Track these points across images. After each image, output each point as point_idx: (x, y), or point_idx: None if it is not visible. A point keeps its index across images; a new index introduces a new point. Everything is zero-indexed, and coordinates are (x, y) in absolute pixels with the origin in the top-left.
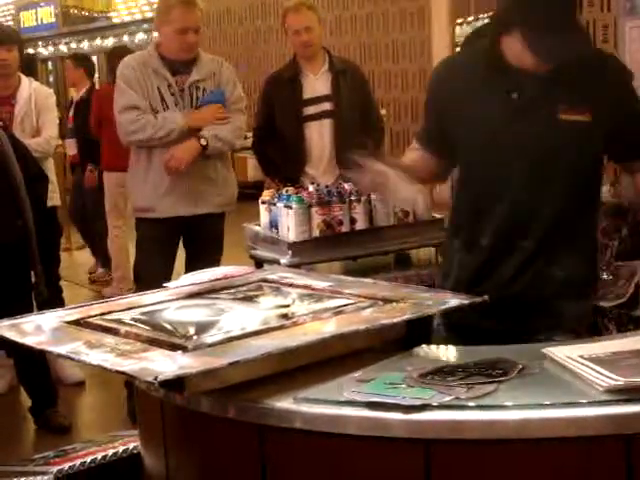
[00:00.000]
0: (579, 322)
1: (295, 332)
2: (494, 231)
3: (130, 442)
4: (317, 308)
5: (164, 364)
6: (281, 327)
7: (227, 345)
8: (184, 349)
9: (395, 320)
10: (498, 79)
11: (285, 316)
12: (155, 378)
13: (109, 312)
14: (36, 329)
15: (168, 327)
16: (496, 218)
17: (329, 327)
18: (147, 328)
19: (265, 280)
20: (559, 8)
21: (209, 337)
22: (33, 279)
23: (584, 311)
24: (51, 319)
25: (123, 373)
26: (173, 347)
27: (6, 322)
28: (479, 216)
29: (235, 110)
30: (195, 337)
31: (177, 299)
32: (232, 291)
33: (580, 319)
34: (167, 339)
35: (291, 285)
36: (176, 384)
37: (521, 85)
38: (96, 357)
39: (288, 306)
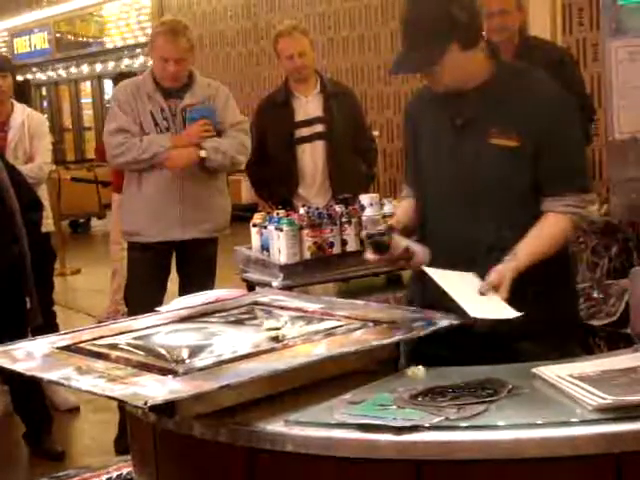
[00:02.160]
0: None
1: (285, 355)
2: (444, 264)
3: (123, 467)
4: (308, 330)
5: (154, 389)
6: (272, 350)
7: (218, 369)
8: (175, 373)
9: (385, 342)
10: (442, 106)
11: (276, 339)
12: (145, 403)
13: (101, 337)
14: (27, 355)
15: (159, 351)
16: (446, 248)
17: (319, 349)
18: (138, 353)
19: (257, 303)
20: (412, 28)
21: (200, 361)
22: (28, 305)
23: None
24: (42, 345)
25: (113, 398)
26: (164, 371)
27: None
28: (432, 244)
29: (238, 130)
30: (186, 361)
31: (169, 323)
32: (224, 314)
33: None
34: (158, 364)
35: (283, 308)
36: (167, 408)
37: (461, 110)
38: (86, 382)
39: (279, 329)
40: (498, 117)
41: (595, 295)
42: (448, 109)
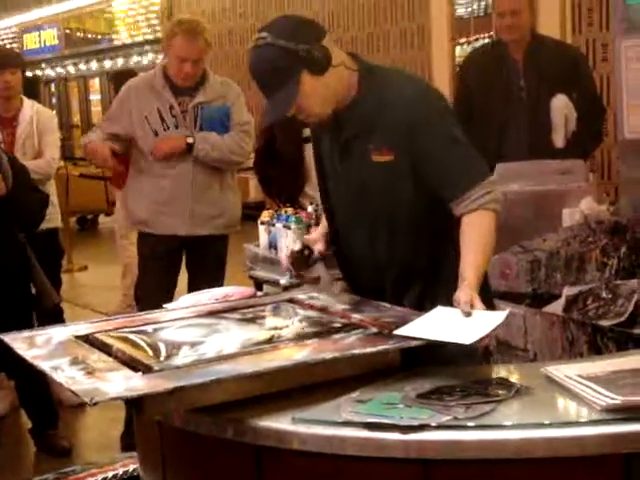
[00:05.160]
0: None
1: (264, 358)
2: (353, 279)
3: (130, 464)
4: (305, 332)
5: (116, 385)
6: (257, 351)
7: (188, 369)
8: (149, 370)
9: (367, 350)
10: (331, 128)
11: (269, 340)
12: (91, 399)
13: (123, 327)
14: (45, 342)
15: (158, 346)
16: (352, 266)
17: (300, 354)
18: (140, 346)
19: (292, 300)
20: (260, 79)
21: (180, 359)
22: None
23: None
24: (65, 332)
25: (73, 392)
26: (143, 367)
27: (25, 333)
28: (341, 261)
29: (240, 131)
30: (169, 359)
31: (195, 317)
32: (245, 311)
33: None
34: (144, 359)
35: (311, 306)
36: (136, 404)
37: (341, 130)
38: (65, 374)
39: (280, 329)
40: (370, 134)
41: (604, 295)
42: (334, 131)
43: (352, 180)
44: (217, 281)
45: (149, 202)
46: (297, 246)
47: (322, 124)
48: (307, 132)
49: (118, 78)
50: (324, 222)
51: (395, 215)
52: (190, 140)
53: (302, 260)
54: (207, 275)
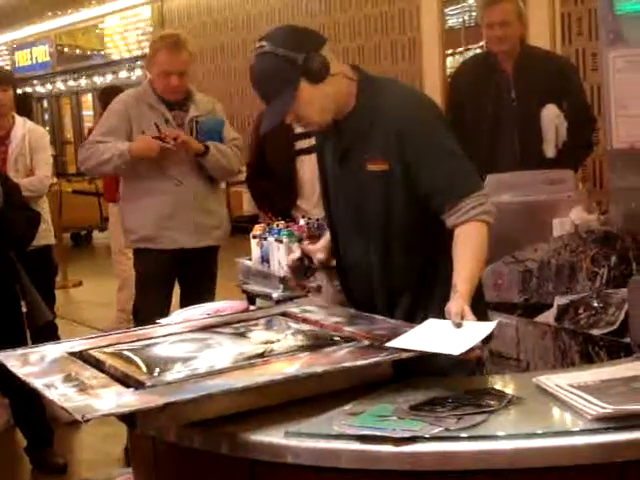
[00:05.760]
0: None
1: (256, 372)
2: (352, 290)
3: None
4: (298, 346)
5: (107, 401)
6: (249, 366)
7: (180, 384)
8: (142, 386)
9: (357, 363)
10: (332, 138)
11: (262, 355)
12: (83, 417)
13: (117, 343)
14: (39, 359)
15: (151, 362)
16: (349, 276)
17: (291, 368)
18: (134, 362)
19: (285, 314)
20: (260, 87)
21: (172, 374)
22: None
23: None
24: (58, 349)
25: (65, 409)
26: (134, 383)
27: (19, 351)
28: (341, 271)
29: (234, 145)
30: (161, 374)
31: (187, 332)
32: (238, 325)
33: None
34: (136, 375)
35: (305, 320)
36: (129, 420)
37: (339, 141)
38: (58, 392)
39: (272, 342)
40: (366, 143)
41: (595, 304)
42: (335, 139)
43: (349, 189)
44: (210, 293)
45: (153, 218)
46: (296, 254)
47: (325, 133)
48: (300, 145)
49: (106, 94)
50: (328, 233)
51: (389, 224)
52: (206, 143)
53: (301, 269)
54: (201, 288)
